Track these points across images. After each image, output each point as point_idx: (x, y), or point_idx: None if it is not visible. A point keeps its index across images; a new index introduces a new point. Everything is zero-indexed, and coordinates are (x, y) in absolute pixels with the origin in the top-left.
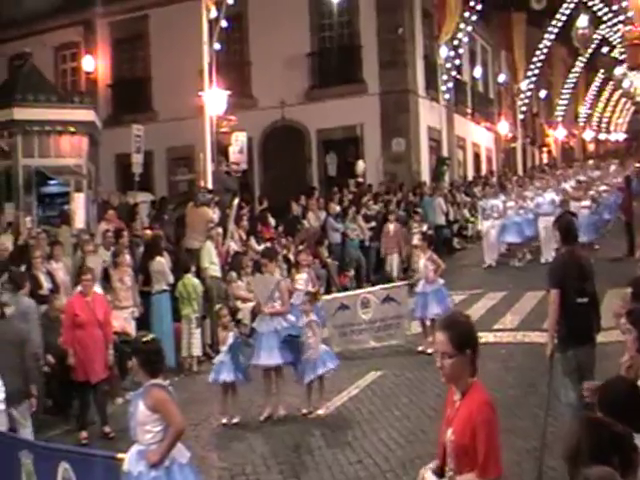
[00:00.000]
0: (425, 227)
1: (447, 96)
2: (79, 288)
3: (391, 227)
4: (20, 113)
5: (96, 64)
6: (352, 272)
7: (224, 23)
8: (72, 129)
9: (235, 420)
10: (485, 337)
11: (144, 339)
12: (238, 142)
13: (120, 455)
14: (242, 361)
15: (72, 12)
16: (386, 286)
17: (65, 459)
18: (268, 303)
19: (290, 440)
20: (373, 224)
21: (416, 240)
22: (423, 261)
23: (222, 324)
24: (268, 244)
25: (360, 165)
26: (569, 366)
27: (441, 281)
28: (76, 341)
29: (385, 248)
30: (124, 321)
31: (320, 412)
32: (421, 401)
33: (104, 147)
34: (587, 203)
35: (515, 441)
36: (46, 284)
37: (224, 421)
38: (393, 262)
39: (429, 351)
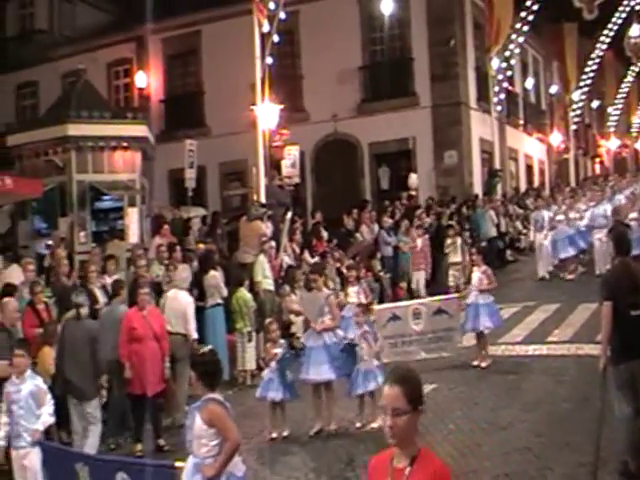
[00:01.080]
0: (459, 241)
1: (499, 108)
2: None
3: (419, 242)
4: (74, 129)
5: (148, 80)
6: (405, 285)
7: (276, 37)
8: (125, 144)
9: (284, 434)
10: (538, 350)
11: (202, 351)
12: (291, 156)
13: (178, 464)
14: (290, 377)
15: (124, 29)
16: (438, 298)
17: (122, 470)
18: (318, 319)
19: (344, 454)
20: (426, 236)
21: (453, 256)
22: (478, 274)
23: (271, 339)
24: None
25: (413, 178)
26: (622, 379)
27: (491, 297)
28: (133, 354)
29: (412, 264)
30: None
31: (374, 425)
32: (475, 415)
33: (157, 162)
34: (635, 215)
35: (569, 455)
36: (101, 298)
37: (273, 436)
38: (420, 279)
39: (482, 365)
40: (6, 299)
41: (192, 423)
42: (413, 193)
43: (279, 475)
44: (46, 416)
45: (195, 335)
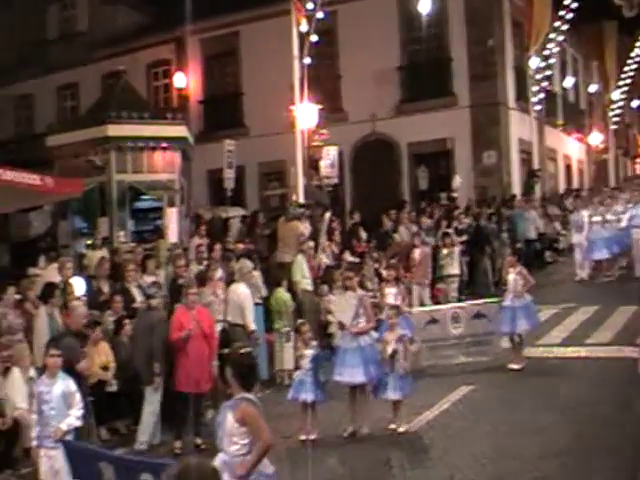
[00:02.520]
0: (456, 251)
1: (538, 107)
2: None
3: (417, 253)
4: (114, 130)
5: (188, 81)
6: (443, 286)
7: (314, 37)
8: (165, 145)
9: (312, 437)
10: (577, 352)
11: (240, 351)
12: (329, 156)
13: None
14: (322, 378)
15: (163, 30)
16: (477, 302)
17: (145, 470)
18: (353, 321)
19: (381, 455)
20: (464, 238)
21: (449, 268)
22: (512, 276)
23: (303, 340)
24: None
25: (456, 179)
26: None
27: (529, 297)
28: (182, 353)
29: (412, 278)
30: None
31: (401, 429)
32: (513, 417)
33: (196, 163)
34: None
35: (608, 459)
36: (139, 297)
37: (303, 437)
38: (424, 295)
39: (516, 367)
40: (75, 303)
41: (223, 420)
42: (455, 195)
43: (316, 476)
44: (72, 418)
45: (252, 326)
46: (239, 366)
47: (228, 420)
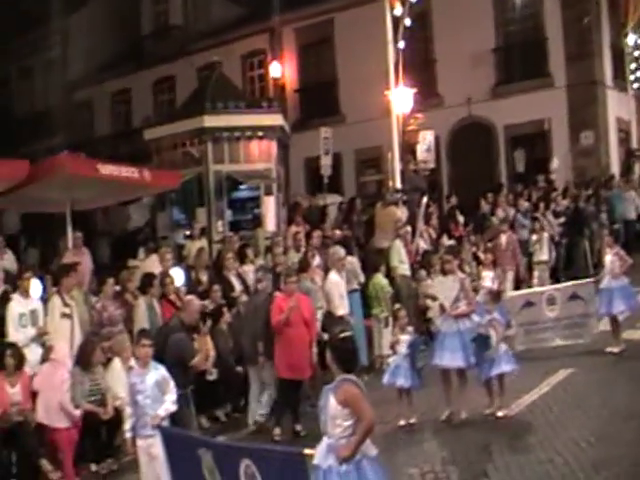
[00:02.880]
0: (545, 236)
1: (636, 85)
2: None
3: (503, 238)
4: (210, 120)
5: (283, 70)
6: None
7: (408, 21)
8: (261, 134)
9: (412, 421)
10: None
11: (342, 335)
12: (426, 141)
13: (307, 450)
14: (419, 364)
15: (257, 21)
16: (573, 283)
17: (246, 456)
18: (453, 304)
19: (479, 440)
20: (562, 220)
21: (539, 254)
22: (610, 257)
23: (399, 325)
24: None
25: (554, 162)
26: None
27: (626, 279)
28: (283, 339)
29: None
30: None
31: (499, 414)
32: (613, 400)
33: (293, 151)
34: None
35: None
36: (237, 286)
37: (402, 423)
38: (507, 281)
39: (615, 350)
40: (189, 297)
41: (326, 404)
42: (553, 177)
43: (414, 460)
44: (168, 404)
45: (339, 312)
46: (339, 350)
47: (330, 403)
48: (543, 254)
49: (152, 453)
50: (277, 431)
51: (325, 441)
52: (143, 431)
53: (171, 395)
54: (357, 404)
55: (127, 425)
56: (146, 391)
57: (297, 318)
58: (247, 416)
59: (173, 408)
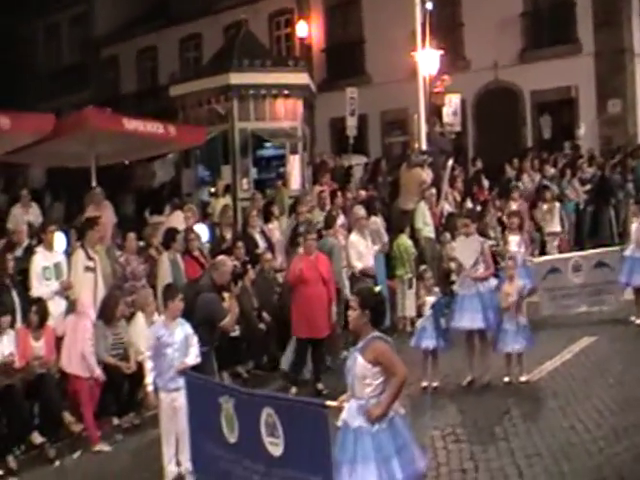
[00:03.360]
0: (557, 206)
1: None
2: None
3: (513, 207)
4: (236, 78)
5: (309, 30)
6: (566, 236)
7: None
8: (287, 92)
9: (434, 384)
10: None
11: (373, 291)
12: (452, 104)
13: (329, 402)
14: (443, 325)
15: None
16: (599, 250)
17: (269, 405)
18: (472, 267)
19: (501, 405)
20: (588, 187)
21: (550, 226)
22: (636, 225)
23: (425, 287)
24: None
25: (581, 129)
26: None
27: None
28: (301, 298)
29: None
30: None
31: (522, 379)
32: (635, 369)
33: (319, 111)
34: None
35: None
36: (261, 243)
37: (424, 384)
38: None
39: (638, 321)
40: (221, 257)
41: (353, 365)
42: (579, 142)
43: (437, 422)
44: (193, 356)
45: (358, 265)
46: (371, 304)
47: (359, 363)
48: (554, 225)
49: (176, 407)
50: (294, 390)
51: (352, 404)
52: (169, 384)
53: (194, 349)
54: (389, 360)
55: (149, 379)
56: (175, 344)
57: (315, 276)
58: (271, 372)
59: (198, 360)
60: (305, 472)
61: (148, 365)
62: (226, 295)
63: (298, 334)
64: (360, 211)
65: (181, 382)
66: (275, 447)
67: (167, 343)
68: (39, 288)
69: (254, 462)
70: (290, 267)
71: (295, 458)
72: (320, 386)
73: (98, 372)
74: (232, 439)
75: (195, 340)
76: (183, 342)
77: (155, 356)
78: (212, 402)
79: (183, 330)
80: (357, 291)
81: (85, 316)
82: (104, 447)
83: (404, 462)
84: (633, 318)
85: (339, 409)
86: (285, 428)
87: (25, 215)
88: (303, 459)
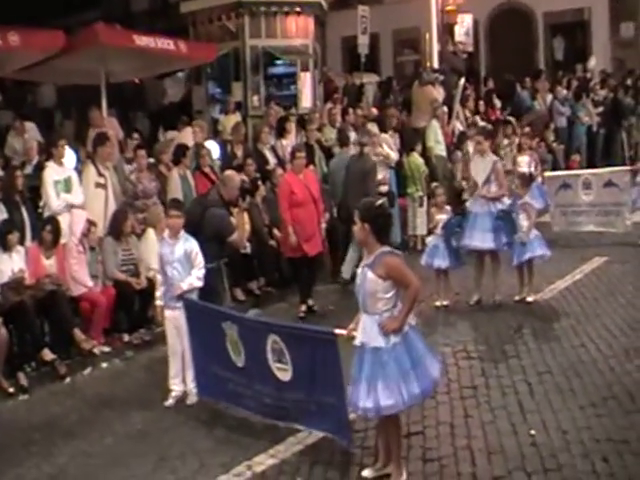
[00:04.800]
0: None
1: None
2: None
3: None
4: None
5: None
6: (578, 157)
7: None
8: (298, 9)
9: (445, 303)
10: None
11: (378, 204)
12: (464, 24)
13: (338, 331)
14: (455, 244)
15: None
16: (609, 169)
17: (275, 332)
18: (484, 186)
19: (512, 322)
20: (600, 109)
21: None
22: None
23: (436, 204)
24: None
25: (592, 60)
26: None
27: None
28: (295, 218)
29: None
30: None
31: (529, 299)
32: None
33: (330, 30)
34: None
35: None
36: (272, 159)
37: (437, 304)
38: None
39: None
40: (229, 172)
41: (363, 282)
42: (588, 75)
43: (447, 339)
44: (193, 278)
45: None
46: (378, 218)
47: (368, 279)
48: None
49: (178, 325)
50: (303, 308)
51: (365, 320)
52: (171, 302)
53: (197, 270)
54: (401, 272)
55: (158, 293)
56: (174, 262)
57: (306, 195)
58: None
59: (198, 284)
60: (317, 395)
61: (158, 280)
62: (234, 211)
63: (293, 254)
64: (373, 128)
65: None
66: (284, 372)
67: (167, 261)
68: (56, 200)
69: (264, 386)
70: (280, 187)
71: (305, 383)
72: (311, 302)
73: (91, 284)
74: (239, 363)
75: (199, 260)
76: (182, 260)
77: (162, 272)
78: (215, 327)
79: (185, 246)
80: (359, 205)
81: (70, 236)
82: None
83: (421, 375)
84: None
85: (349, 338)
86: (293, 354)
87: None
88: (314, 383)
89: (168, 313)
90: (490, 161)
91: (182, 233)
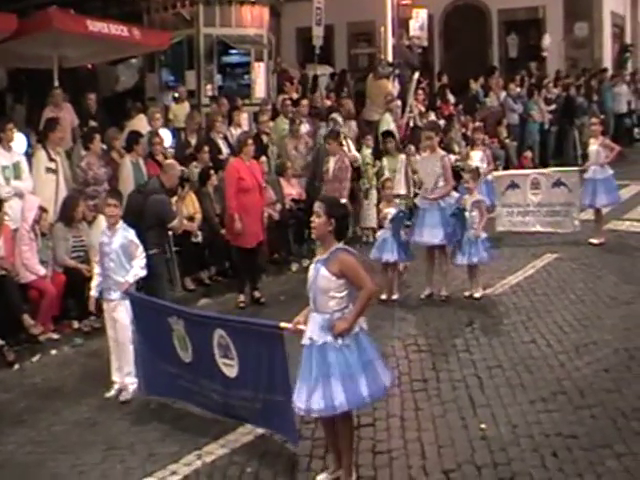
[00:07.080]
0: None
1: None
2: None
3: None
4: None
5: None
6: (530, 154)
7: None
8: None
9: (394, 297)
10: None
11: (342, 202)
12: (419, 18)
13: (283, 324)
14: (404, 238)
15: None
16: (559, 169)
17: (221, 327)
18: (433, 182)
19: (462, 318)
20: (553, 107)
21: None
22: (595, 147)
23: (385, 197)
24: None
25: (546, 38)
26: None
27: (611, 171)
28: (242, 206)
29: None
30: (300, 188)
31: (476, 295)
32: (597, 287)
33: (285, 20)
34: None
35: None
36: (224, 149)
37: (383, 297)
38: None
39: (595, 242)
40: (169, 161)
41: (315, 278)
42: (545, 54)
43: (398, 332)
44: (137, 269)
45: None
46: (338, 215)
47: (321, 276)
48: (401, 188)
49: (114, 317)
50: (242, 298)
51: (316, 318)
52: (107, 294)
53: (139, 260)
54: (355, 273)
55: (93, 283)
56: (111, 254)
57: (252, 184)
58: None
59: (142, 273)
60: (263, 392)
61: (95, 270)
62: (173, 199)
63: (239, 243)
64: (338, 118)
65: (118, 294)
66: (230, 368)
67: (105, 252)
68: (2, 187)
69: (211, 382)
70: (228, 172)
71: (251, 379)
72: (257, 294)
73: (43, 272)
74: (187, 359)
75: (139, 250)
76: (119, 251)
77: (99, 263)
78: (161, 322)
79: (122, 238)
80: (323, 198)
81: (22, 223)
82: None
83: (370, 379)
84: (591, 240)
85: (295, 331)
86: (239, 350)
87: None
88: (260, 380)
89: (105, 306)
90: (439, 161)
91: (120, 224)
